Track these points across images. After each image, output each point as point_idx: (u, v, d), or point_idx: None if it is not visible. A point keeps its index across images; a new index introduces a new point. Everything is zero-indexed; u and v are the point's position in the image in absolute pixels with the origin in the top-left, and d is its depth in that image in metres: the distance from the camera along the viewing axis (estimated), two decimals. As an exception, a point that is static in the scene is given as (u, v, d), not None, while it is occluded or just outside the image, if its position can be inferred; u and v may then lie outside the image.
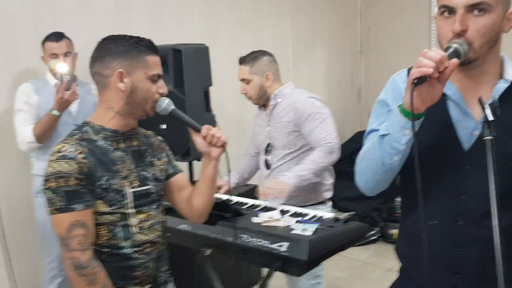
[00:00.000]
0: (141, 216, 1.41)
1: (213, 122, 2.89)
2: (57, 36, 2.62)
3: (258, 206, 2.21)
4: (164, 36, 3.31)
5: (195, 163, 2.94)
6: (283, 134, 2.38)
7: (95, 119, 1.42)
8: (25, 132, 2.56)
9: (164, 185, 1.53)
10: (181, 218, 2.00)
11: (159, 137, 1.61)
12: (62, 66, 2.45)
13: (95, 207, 1.32)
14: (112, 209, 1.34)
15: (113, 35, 1.42)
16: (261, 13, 4.28)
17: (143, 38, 1.41)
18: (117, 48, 1.37)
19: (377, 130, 1.28)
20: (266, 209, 2.14)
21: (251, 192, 3.00)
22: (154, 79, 1.39)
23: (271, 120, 2.42)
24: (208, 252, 1.94)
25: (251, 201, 2.28)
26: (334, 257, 1.83)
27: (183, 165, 2.96)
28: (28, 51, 2.83)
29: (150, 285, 1.45)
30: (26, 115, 2.59)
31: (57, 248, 2.52)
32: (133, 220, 1.39)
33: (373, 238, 4.05)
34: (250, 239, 1.76)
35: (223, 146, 1.45)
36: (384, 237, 4.09)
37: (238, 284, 3.07)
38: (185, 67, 2.66)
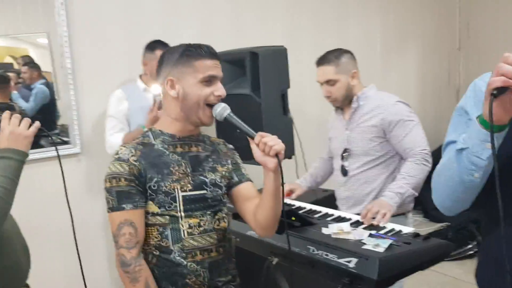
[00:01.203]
0: (192, 221, 1.39)
1: (290, 126, 2.82)
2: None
3: (331, 215, 2.09)
4: (245, 39, 3.32)
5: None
6: (365, 140, 2.22)
7: (158, 125, 1.49)
8: (114, 140, 2.74)
9: (224, 192, 1.49)
10: (249, 224, 1.98)
11: (230, 146, 1.59)
12: (156, 87, 2.61)
13: (146, 207, 1.37)
14: (161, 211, 1.37)
15: (172, 46, 1.46)
16: (347, 12, 4.12)
17: (195, 44, 1.41)
18: (169, 57, 1.42)
19: (455, 142, 1.13)
20: (339, 219, 2.02)
21: (330, 198, 2.87)
22: (206, 82, 1.37)
23: (351, 124, 2.28)
24: (274, 261, 1.87)
25: (324, 210, 2.17)
26: (423, 271, 1.66)
27: (259, 169, 2.93)
28: (119, 56, 3.00)
29: None
30: (115, 121, 2.77)
31: None
32: (183, 224, 1.38)
33: (469, 253, 3.70)
34: (317, 252, 1.66)
35: (277, 156, 1.31)
36: (482, 252, 3.72)
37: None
38: (261, 70, 2.61)
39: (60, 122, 2.94)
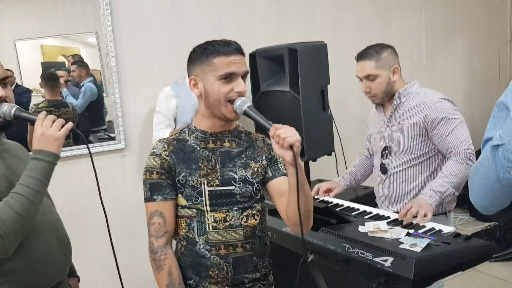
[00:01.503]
0: (217, 215, 1.42)
1: (329, 122, 2.80)
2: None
3: (369, 213, 2.07)
4: (287, 35, 3.33)
5: (312, 164, 2.88)
6: (406, 138, 2.16)
7: (194, 121, 1.52)
8: (162, 136, 2.79)
9: (258, 188, 1.49)
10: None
11: (268, 141, 1.54)
12: None
13: (176, 200, 1.44)
14: (189, 204, 1.42)
15: (198, 44, 1.46)
16: (390, 6, 4.02)
17: (216, 41, 1.41)
18: (192, 56, 1.45)
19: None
20: (377, 217, 2.00)
21: (370, 196, 2.84)
22: (225, 80, 1.38)
23: (392, 122, 2.22)
24: (310, 257, 1.88)
25: (362, 207, 2.15)
26: (468, 271, 1.61)
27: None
28: (163, 55, 3.08)
29: None
30: (163, 118, 2.84)
31: None
32: (209, 218, 1.41)
33: (519, 253, 3.55)
34: (352, 250, 1.65)
35: (292, 148, 1.26)
36: (533, 254, 3.56)
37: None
38: (300, 66, 2.61)
39: (107, 118, 3.06)
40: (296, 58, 2.61)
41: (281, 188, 1.50)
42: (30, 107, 2.80)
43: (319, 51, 2.72)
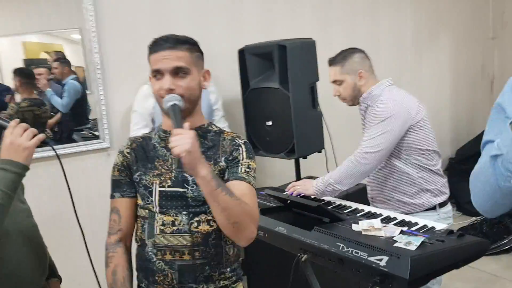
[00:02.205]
0: (166, 218, 1.36)
1: (319, 119, 2.78)
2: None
3: (361, 210, 2.05)
4: (275, 32, 3.29)
5: (302, 161, 2.86)
6: None
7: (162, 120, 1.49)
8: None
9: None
10: (278, 220, 1.96)
11: (239, 141, 1.43)
12: None
13: (134, 197, 1.42)
14: (142, 204, 1.39)
15: None
16: (378, 4, 4.02)
17: (158, 38, 1.39)
18: None
19: (493, 141, 1.07)
20: (370, 214, 1.98)
21: (362, 192, 2.82)
22: (156, 77, 1.36)
23: (365, 124, 2.25)
24: (303, 257, 1.85)
25: (354, 205, 2.13)
26: None
27: (289, 163, 2.91)
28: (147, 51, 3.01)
29: None
30: (139, 118, 2.79)
31: None
32: (158, 220, 1.37)
33: (506, 247, 3.58)
34: (346, 249, 1.62)
35: (179, 157, 1.21)
36: (519, 248, 3.60)
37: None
38: (289, 62, 2.58)
39: (91, 116, 2.98)
40: (285, 55, 2.57)
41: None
42: (10, 107, 2.70)
43: (308, 47, 2.69)
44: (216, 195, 1.24)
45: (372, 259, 1.54)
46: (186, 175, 1.37)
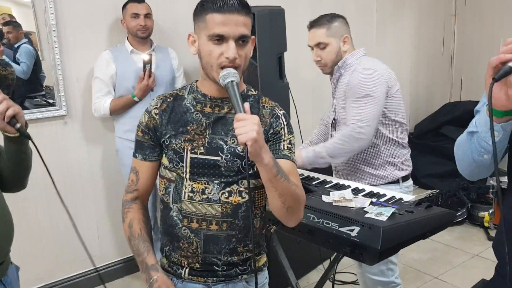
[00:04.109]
0: (196, 185, 1.29)
1: (286, 91, 2.73)
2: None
3: (329, 182, 2.05)
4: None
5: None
6: (342, 110, 2.14)
7: (198, 81, 1.36)
8: (102, 104, 2.74)
9: (248, 163, 1.22)
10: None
11: (279, 112, 1.33)
12: (146, 56, 2.65)
13: (159, 160, 1.35)
14: (170, 166, 1.32)
15: None
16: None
17: None
18: (195, 9, 1.26)
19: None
20: (338, 186, 1.98)
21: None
22: (215, 41, 1.19)
23: (336, 93, 2.20)
24: (272, 228, 1.83)
25: (322, 177, 2.12)
26: None
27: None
28: (107, 12, 2.86)
29: (199, 266, 1.32)
30: (102, 84, 2.74)
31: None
32: (186, 186, 1.29)
33: (459, 219, 3.73)
34: (317, 220, 1.61)
35: (245, 145, 1.10)
36: (471, 220, 3.76)
37: (304, 262, 2.97)
38: (258, 31, 2.49)
39: (45, 83, 2.80)
40: (254, 23, 2.48)
41: None
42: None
43: (277, 16, 2.61)
44: (276, 182, 1.18)
45: (343, 229, 1.54)
46: (221, 142, 1.28)
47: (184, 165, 1.28)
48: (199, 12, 1.23)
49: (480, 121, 1.08)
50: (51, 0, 2.63)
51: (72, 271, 2.95)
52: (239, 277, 1.34)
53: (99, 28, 2.87)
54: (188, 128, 1.29)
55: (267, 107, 1.33)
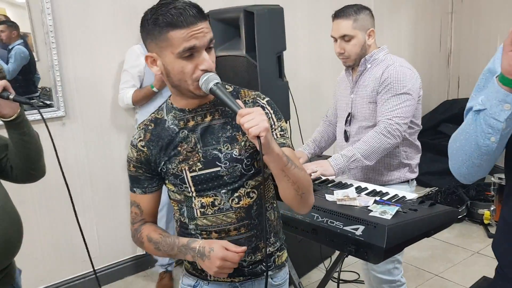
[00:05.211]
0: (204, 200, 1.28)
1: (286, 90, 2.72)
2: None
3: (332, 181, 2.04)
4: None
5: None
6: (365, 105, 2.11)
7: (171, 97, 1.31)
8: (126, 95, 2.81)
9: (248, 163, 1.26)
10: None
11: (262, 100, 1.29)
12: None
13: (160, 188, 1.35)
14: (176, 190, 1.31)
15: (149, 9, 1.18)
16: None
17: (167, 7, 1.13)
18: (144, 26, 1.18)
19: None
20: (341, 185, 1.97)
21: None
22: (186, 57, 1.14)
23: (356, 88, 2.15)
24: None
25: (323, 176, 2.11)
26: None
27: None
28: (106, 12, 2.83)
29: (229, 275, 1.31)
30: (129, 76, 2.81)
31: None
32: (196, 204, 1.29)
33: (459, 217, 3.73)
34: (321, 219, 1.60)
35: (258, 138, 1.08)
36: (471, 217, 3.76)
37: (305, 261, 2.97)
38: (257, 30, 2.48)
39: (41, 84, 2.78)
40: (253, 22, 2.48)
41: None
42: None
43: (276, 15, 2.59)
44: (287, 170, 1.17)
45: (347, 228, 1.53)
46: (216, 152, 1.25)
47: (188, 185, 1.27)
48: (155, 31, 1.14)
49: (489, 95, 1.00)
50: (48, 1, 2.61)
51: (72, 273, 2.93)
52: (265, 274, 1.34)
53: (98, 28, 2.85)
54: (179, 149, 1.26)
55: (248, 100, 1.29)
